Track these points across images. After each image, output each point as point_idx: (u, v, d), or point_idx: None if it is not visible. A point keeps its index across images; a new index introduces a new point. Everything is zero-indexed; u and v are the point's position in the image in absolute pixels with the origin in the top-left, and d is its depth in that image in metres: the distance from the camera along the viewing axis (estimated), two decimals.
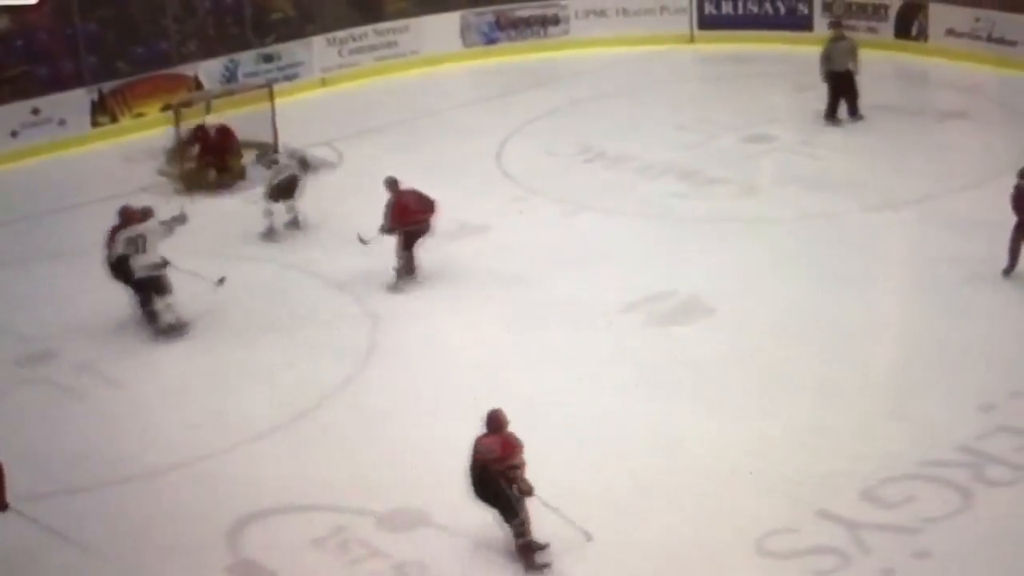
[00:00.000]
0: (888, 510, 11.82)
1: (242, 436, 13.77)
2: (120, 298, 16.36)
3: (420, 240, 16.75)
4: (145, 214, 16.14)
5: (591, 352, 14.97)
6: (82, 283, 17.17)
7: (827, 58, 21.49)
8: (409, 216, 16.56)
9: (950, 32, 24.60)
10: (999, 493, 12.04)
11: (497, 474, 11.30)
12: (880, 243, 17.37)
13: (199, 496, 12.86)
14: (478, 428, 11.41)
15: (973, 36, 24.28)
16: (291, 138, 21.16)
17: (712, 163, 20.15)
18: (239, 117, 21.63)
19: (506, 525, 11.52)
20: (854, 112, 21.40)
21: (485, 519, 11.53)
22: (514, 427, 11.38)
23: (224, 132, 20.86)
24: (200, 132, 20.87)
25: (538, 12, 26.72)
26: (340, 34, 25.44)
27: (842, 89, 21.32)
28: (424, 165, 20.34)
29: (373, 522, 12.17)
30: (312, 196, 19.28)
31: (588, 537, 11.46)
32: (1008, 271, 15.83)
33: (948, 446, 12.66)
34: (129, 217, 16.07)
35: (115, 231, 15.94)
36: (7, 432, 13.79)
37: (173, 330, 15.88)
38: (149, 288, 15.86)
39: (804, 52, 23.49)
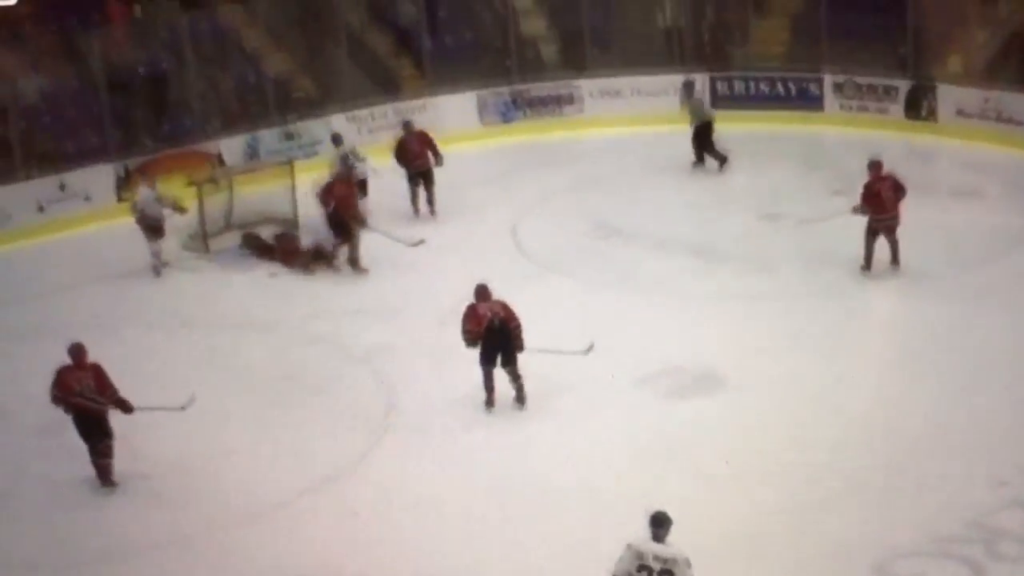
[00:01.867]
0: None
1: (253, 510, 13.89)
2: (142, 373, 16.61)
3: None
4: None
5: (604, 426, 15.08)
6: (104, 356, 17.40)
7: (696, 112, 23.69)
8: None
9: (960, 112, 24.90)
10: (1012, 569, 12.09)
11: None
12: (890, 320, 17.56)
13: (212, 570, 12.99)
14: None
15: (982, 116, 24.56)
16: (311, 214, 21.49)
17: (724, 240, 20.35)
18: (260, 193, 22.09)
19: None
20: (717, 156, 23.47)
21: None
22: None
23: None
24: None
25: (554, 92, 27.21)
26: (360, 112, 25.90)
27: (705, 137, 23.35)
28: (440, 240, 20.64)
29: None
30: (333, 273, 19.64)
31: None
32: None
33: (959, 521, 12.71)
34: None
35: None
36: (31, 503, 14.10)
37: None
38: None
39: (815, 131, 23.80)
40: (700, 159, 23.84)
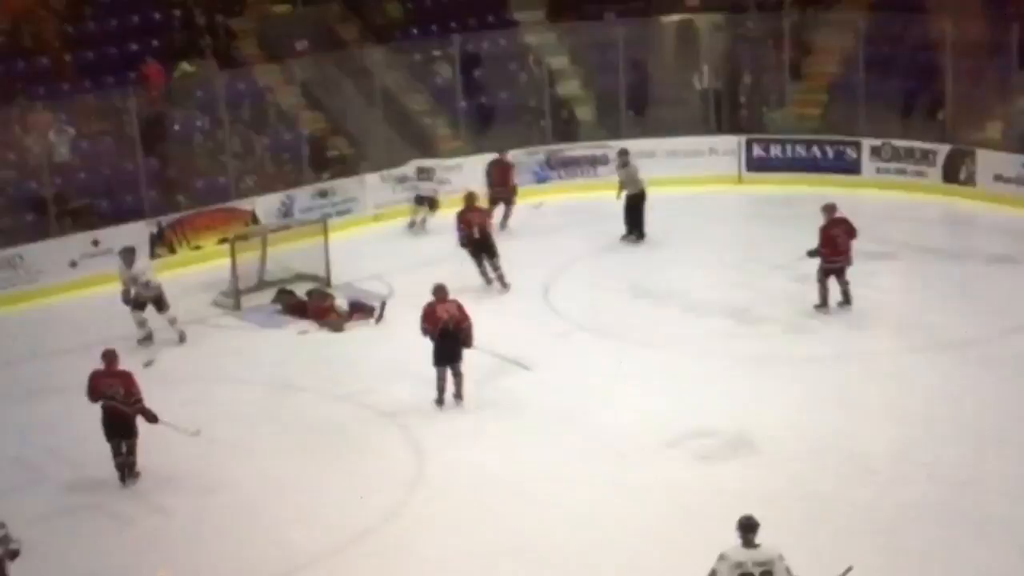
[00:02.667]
0: None
1: (287, 566, 13.78)
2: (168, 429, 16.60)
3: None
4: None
5: (635, 489, 14.90)
6: None
7: (630, 182, 23.46)
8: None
9: (998, 177, 24.78)
10: None
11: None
12: (926, 384, 17.29)
13: None
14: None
15: (1020, 182, 24.44)
16: (344, 271, 21.51)
17: (759, 302, 20.22)
18: (294, 251, 22.10)
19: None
20: (640, 231, 23.48)
21: None
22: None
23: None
24: None
25: (588, 152, 27.16)
26: (394, 171, 25.91)
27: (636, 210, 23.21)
28: (473, 299, 20.41)
29: None
30: (361, 329, 19.57)
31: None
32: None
33: None
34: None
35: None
36: (56, 558, 13.92)
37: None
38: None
39: (851, 195, 23.64)
40: (631, 231, 23.54)
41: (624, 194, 23.67)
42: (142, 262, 20.51)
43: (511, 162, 25.30)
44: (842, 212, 19.82)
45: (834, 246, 19.50)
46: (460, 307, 17.20)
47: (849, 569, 11.95)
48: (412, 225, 24.86)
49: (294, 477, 15.66)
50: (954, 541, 13.55)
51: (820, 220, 19.90)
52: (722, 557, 10.90)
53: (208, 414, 17.27)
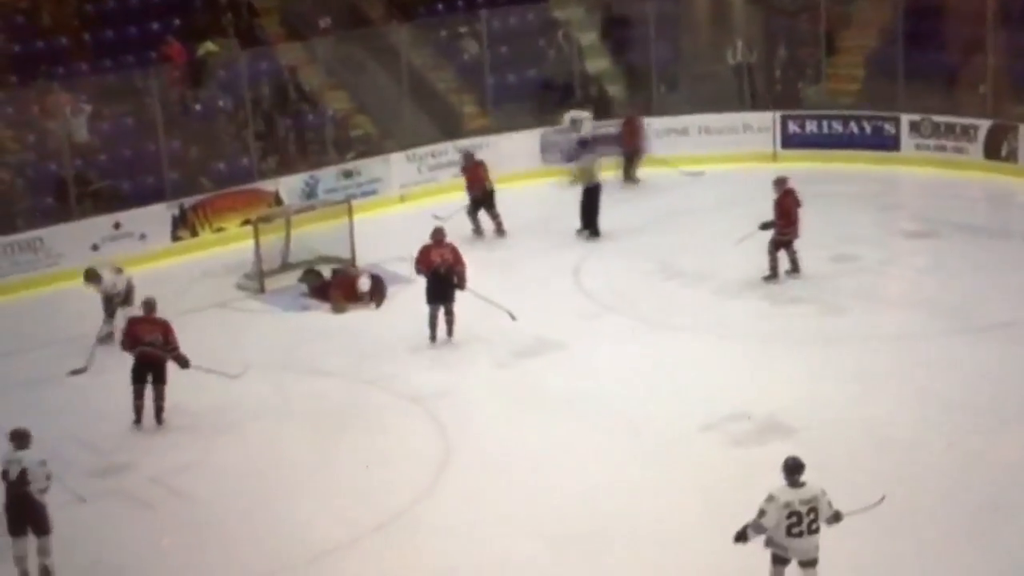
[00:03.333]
0: None
1: (314, 551, 13.52)
2: (194, 410, 16.31)
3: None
4: None
5: (668, 473, 14.59)
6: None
7: (586, 173, 22.72)
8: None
9: None
10: None
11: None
12: (964, 365, 16.86)
13: None
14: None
15: None
16: (369, 253, 21.14)
17: (793, 282, 19.83)
18: (318, 233, 21.78)
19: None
20: (594, 228, 22.64)
21: None
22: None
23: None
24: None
25: (618, 130, 26.59)
26: (419, 150, 25.56)
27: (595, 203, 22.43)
28: (501, 280, 20.28)
29: None
30: (387, 311, 19.26)
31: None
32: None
33: None
34: None
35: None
36: (81, 543, 13.70)
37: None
38: None
39: (889, 172, 23.22)
40: (587, 225, 22.65)
41: (581, 185, 22.89)
42: (107, 275, 19.15)
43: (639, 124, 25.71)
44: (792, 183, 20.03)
45: (788, 218, 19.63)
46: (455, 251, 18.30)
47: (882, 499, 11.93)
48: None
49: (318, 461, 15.43)
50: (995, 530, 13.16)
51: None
52: (770, 498, 11.29)
53: (231, 399, 17.05)
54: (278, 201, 23.98)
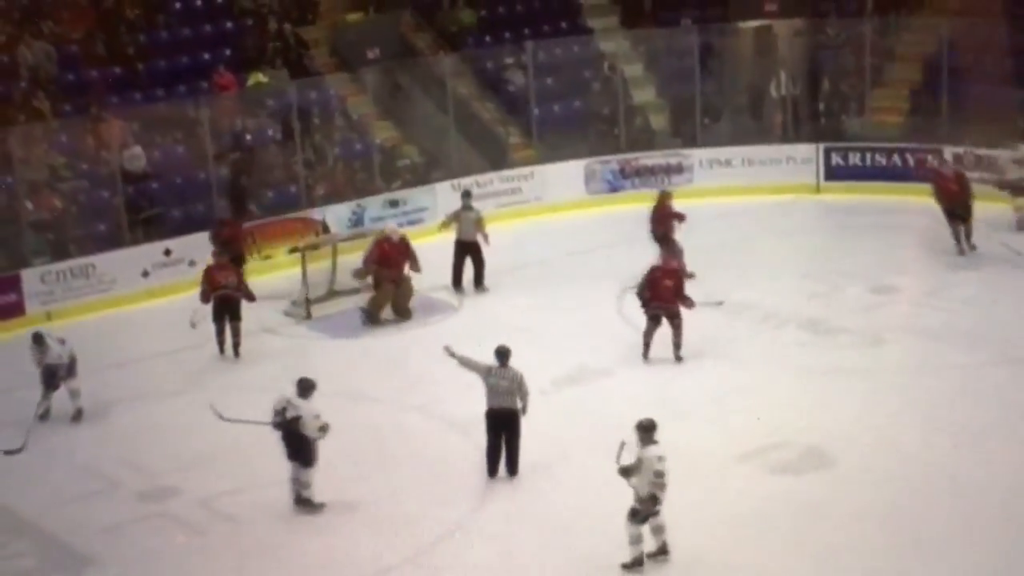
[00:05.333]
0: None
1: (364, 573, 13.73)
2: (241, 435, 16.53)
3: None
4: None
5: (709, 502, 14.65)
6: (203, 420, 17.37)
7: (457, 227, 22.15)
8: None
9: None
10: None
11: None
12: (1007, 397, 16.88)
13: None
14: None
15: None
16: (415, 281, 21.28)
17: (837, 313, 19.88)
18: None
19: None
20: (479, 282, 22.01)
21: None
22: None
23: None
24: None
25: (662, 161, 26.83)
26: (465, 180, 25.72)
27: (471, 258, 21.84)
28: (544, 309, 20.42)
29: None
30: (432, 339, 19.39)
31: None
32: None
33: None
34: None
35: None
36: (129, 567, 13.95)
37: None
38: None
39: (932, 204, 23.19)
40: (458, 283, 22.06)
41: (455, 239, 22.34)
42: (54, 345, 17.98)
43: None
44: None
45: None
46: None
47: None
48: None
49: (365, 488, 15.55)
50: None
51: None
52: (639, 460, 13.06)
53: None
54: (325, 229, 24.16)
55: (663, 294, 18.48)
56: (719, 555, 13.57)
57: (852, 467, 15.19)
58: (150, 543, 14.70)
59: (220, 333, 19.77)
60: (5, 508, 15.75)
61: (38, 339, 18.00)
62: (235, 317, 19.79)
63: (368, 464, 16.17)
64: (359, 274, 21.31)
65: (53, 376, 17.77)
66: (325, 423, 14.81)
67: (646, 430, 13.08)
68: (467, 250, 22.05)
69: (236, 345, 19.82)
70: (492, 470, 15.47)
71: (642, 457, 12.99)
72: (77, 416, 17.91)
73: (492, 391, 15.35)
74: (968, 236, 22.09)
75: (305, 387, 15.03)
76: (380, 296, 21.02)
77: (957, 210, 22.20)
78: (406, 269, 21.07)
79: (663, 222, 21.69)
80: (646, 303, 18.60)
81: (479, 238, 21.95)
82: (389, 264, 20.99)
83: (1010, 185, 23.88)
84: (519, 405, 15.39)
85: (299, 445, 14.91)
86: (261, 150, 25.62)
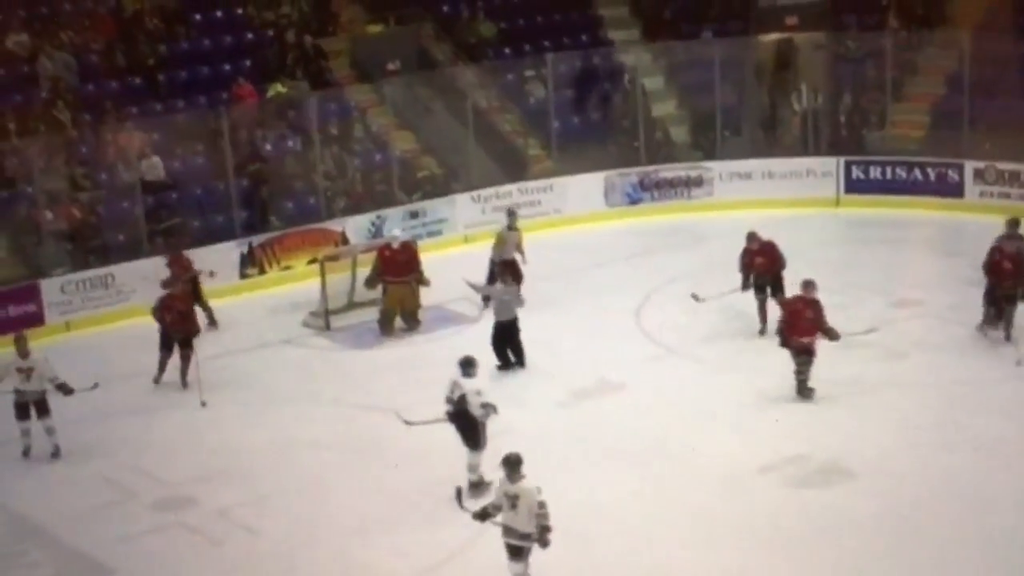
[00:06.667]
0: None
1: None
2: (256, 445, 16.54)
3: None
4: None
5: (726, 515, 14.63)
6: (219, 429, 17.41)
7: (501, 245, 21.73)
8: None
9: None
10: None
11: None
12: None
13: None
14: None
15: None
16: (433, 292, 21.28)
17: (857, 326, 19.74)
18: None
19: None
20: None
21: None
22: None
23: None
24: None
25: (682, 174, 26.80)
26: (484, 192, 25.77)
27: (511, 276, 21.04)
28: (563, 320, 20.40)
29: None
30: (448, 351, 19.38)
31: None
32: None
33: None
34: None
35: None
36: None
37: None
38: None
39: (953, 218, 23.19)
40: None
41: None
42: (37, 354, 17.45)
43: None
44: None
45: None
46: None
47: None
48: None
49: (381, 499, 15.52)
50: None
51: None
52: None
53: (296, 436, 17.27)
54: (344, 240, 24.20)
55: (802, 327, 17.56)
56: (737, 567, 13.53)
57: (871, 480, 15.14)
58: (167, 553, 14.70)
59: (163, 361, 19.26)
60: (22, 517, 15.79)
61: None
62: (186, 345, 19.14)
63: (384, 476, 16.12)
64: (368, 284, 21.33)
65: (24, 409, 17.04)
66: (489, 402, 15.07)
67: (513, 465, 12.45)
68: (509, 269, 21.40)
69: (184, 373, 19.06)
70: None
71: (516, 493, 12.33)
72: (56, 453, 17.13)
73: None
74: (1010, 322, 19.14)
75: (467, 365, 15.29)
76: (387, 303, 21.06)
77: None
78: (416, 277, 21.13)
79: (773, 264, 20.20)
80: (785, 340, 17.63)
81: (517, 256, 21.82)
82: (391, 271, 21.01)
83: None
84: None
85: (466, 426, 15.16)
86: (281, 161, 25.62)
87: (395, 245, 21.28)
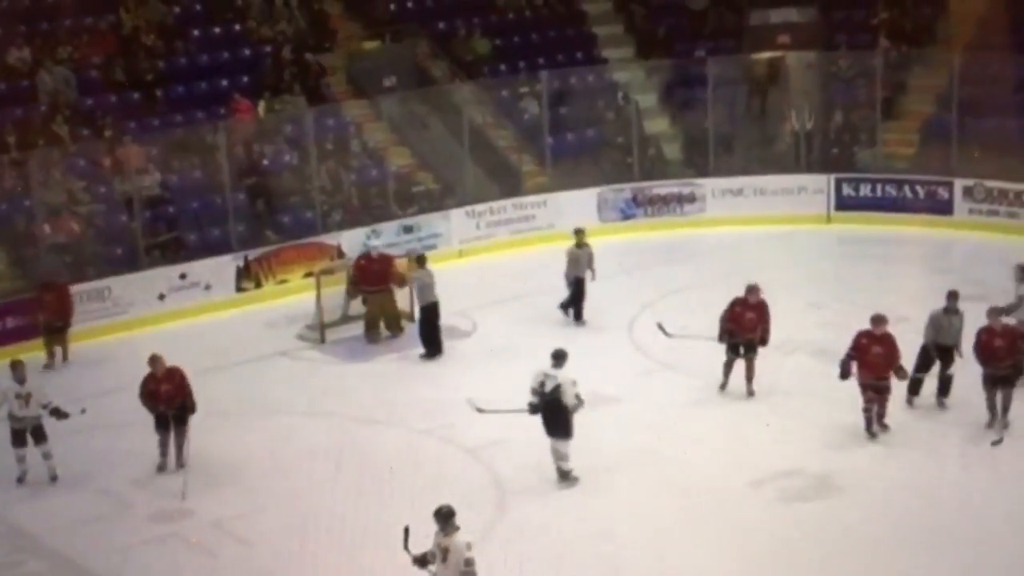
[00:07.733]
0: None
1: None
2: (251, 456, 16.65)
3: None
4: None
5: (719, 529, 14.79)
6: (218, 442, 17.53)
7: (574, 263, 21.79)
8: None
9: None
10: None
11: None
12: (1013, 430, 16.92)
13: None
14: None
15: None
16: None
17: (846, 342, 19.85)
18: None
19: None
20: (579, 316, 21.80)
21: None
22: None
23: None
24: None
25: (675, 190, 27.03)
26: (479, 207, 25.96)
27: (575, 292, 21.64)
28: (556, 335, 20.40)
29: None
30: (443, 363, 19.55)
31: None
32: None
33: None
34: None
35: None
36: None
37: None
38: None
39: (942, 235, 23.35)
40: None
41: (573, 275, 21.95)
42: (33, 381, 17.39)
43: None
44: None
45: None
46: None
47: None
48: None
49: (376, 510, 15.60)
50: None
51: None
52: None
53: (291, 448, 17.41)
54: (340, 254, 24.35)
55: (873, 364, 16.98)
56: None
57: (864, 495, 15.31)
58: (162, 564, 14.82)
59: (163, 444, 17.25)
60: (20, 528, 15.91)
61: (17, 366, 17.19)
62: (181, 422, 17.11)
63: (380, 487, 16.23)
64: (348, 294, 21.61)
65: (21, 436, 16.97)
66: (580, 392, 15.45)
67: (446, 518, 12.08)
68: (577, 284, 21.89)
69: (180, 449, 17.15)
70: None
71: (447, 546, 12.01)
72: (54, 478, 17.02)
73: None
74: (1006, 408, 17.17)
75: (559, 356, 15.62)
76: (368, 312, 21.41)
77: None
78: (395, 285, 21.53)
79: (759, 323, 18.97)
80: (846, 373, 17.03)
81: (588, 273, 21.96)
82: (366, 280, 21.40)
83: None
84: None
85: (556, 416, 15.44)
86: (277, 175, 25.79)
87: (373, 255, 21.52)
